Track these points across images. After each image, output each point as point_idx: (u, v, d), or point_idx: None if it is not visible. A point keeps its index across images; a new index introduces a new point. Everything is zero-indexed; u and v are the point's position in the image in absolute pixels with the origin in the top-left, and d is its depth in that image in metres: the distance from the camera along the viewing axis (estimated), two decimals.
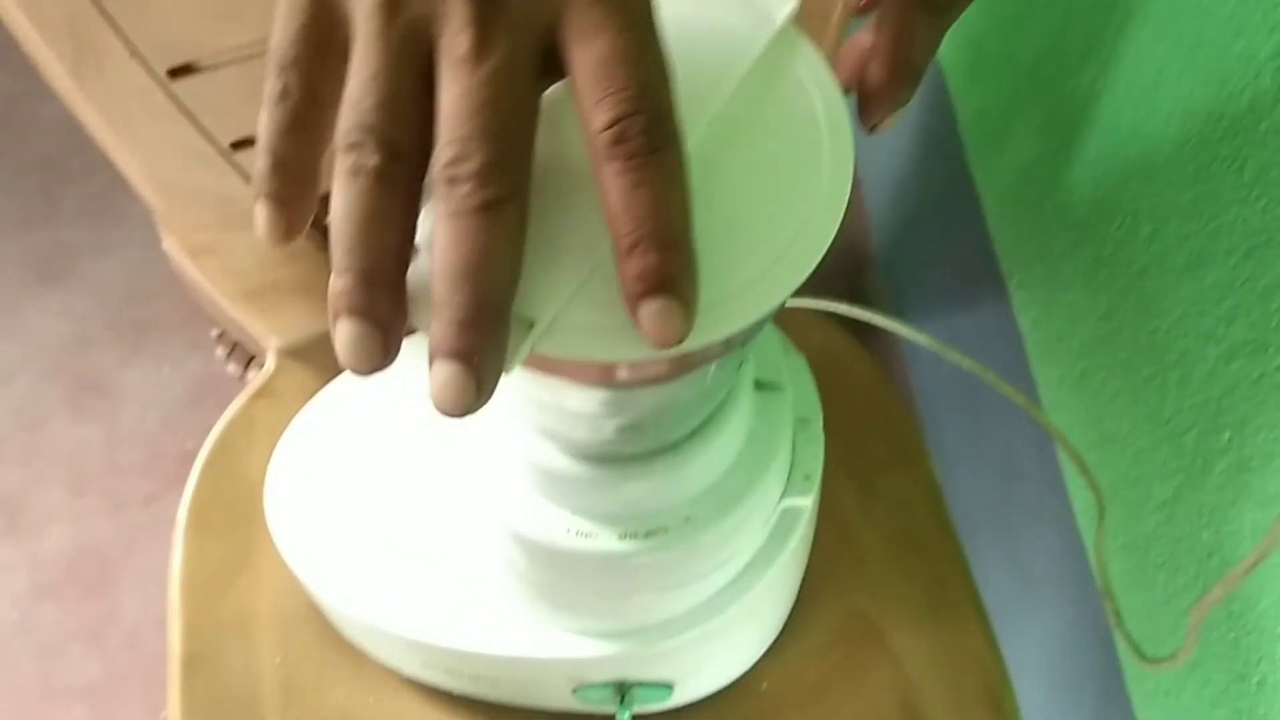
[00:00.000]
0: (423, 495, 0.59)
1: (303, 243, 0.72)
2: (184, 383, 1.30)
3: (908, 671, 0.66)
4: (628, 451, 0.47)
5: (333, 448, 0.65)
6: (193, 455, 1.31)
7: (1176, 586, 0.75)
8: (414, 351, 0.68)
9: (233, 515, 0.72)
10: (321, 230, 0.74)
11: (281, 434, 0.69)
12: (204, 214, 0.68)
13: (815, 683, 0.66)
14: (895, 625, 0.67)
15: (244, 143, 0.63)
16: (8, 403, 1.26)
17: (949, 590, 0.70)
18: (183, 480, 1.32)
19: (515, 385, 0.43)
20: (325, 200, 0.71)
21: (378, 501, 0.61)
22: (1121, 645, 0.83)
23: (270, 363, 0.77)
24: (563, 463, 0.48)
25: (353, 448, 0.64)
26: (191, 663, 0.67)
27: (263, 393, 0.77)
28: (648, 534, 0.49)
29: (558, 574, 0.52)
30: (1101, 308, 0.82)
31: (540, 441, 0.48)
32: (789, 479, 0.54)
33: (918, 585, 0.70)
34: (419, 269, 0.28)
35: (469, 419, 0.27)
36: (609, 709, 0.56)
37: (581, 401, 0.41)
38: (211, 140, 0.62)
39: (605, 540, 0.49)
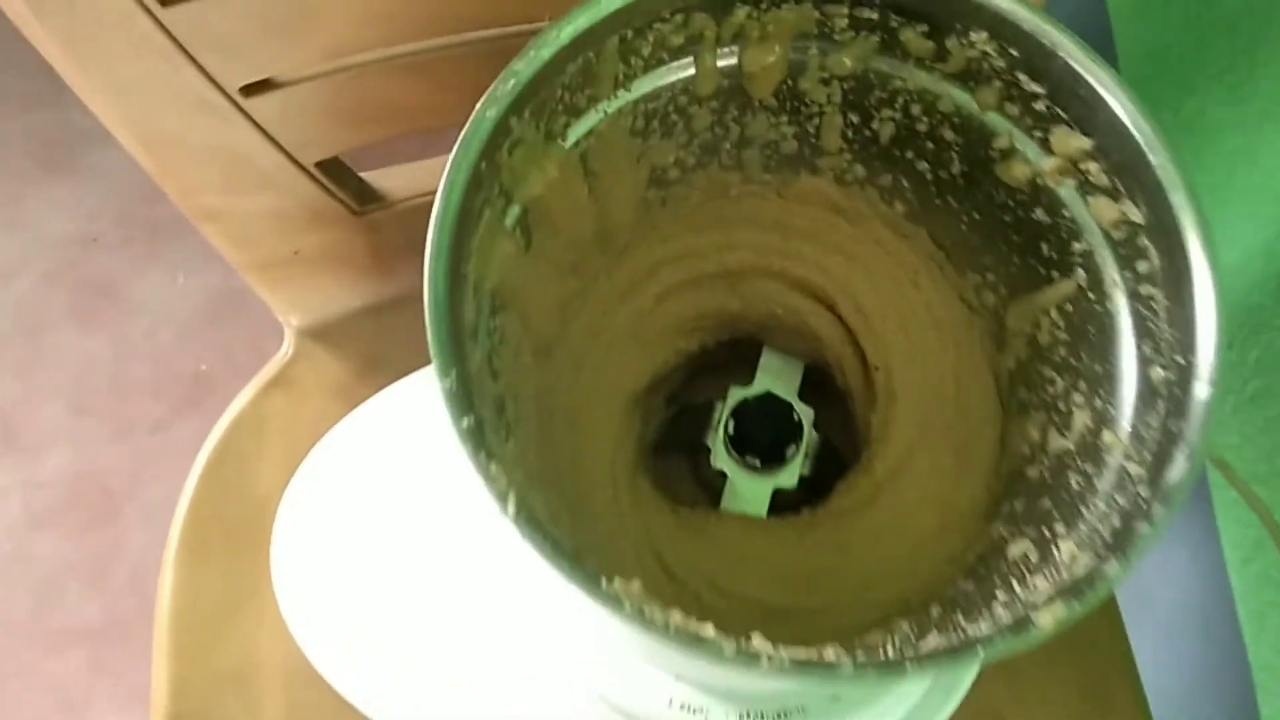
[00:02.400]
0: (474, 591, 0.45)
1: (330, 206, 0.57)
2: (202, 295, 1.16)
3: None
4: None
5: (366, 494, 0.51)
6: (208, 378, 1.19)
7: None
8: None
9: (235, 538, 0.59)
10: (352, 192, 0.59)
11: (299, 435, 0.56)
12: (207, 174, 0.54)
13: None
14: None
15: (258, 86, 0.48)
16: (5, 304, 1.13)
17: (1109, 695, 0.57)
18: (196, 405, 1.20)
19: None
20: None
21: (420, 582, 0.48)
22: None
23: (288, 345, 0.63)
24: None
25: (394, 499, 0.50)
26: None
27: (278, 382, 0.62)
28: (778, 715, 0.36)
29: None
30: None
31: None
32: None
33: (1070, 686, 0.57)
34: None
35: None
36: None
37: None
38: (215, 83, 0.48)
39: None
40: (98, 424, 1.17)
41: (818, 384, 0.36)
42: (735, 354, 0.37)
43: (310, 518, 0.51)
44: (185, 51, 0.45)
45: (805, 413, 0.35)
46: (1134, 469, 0.25)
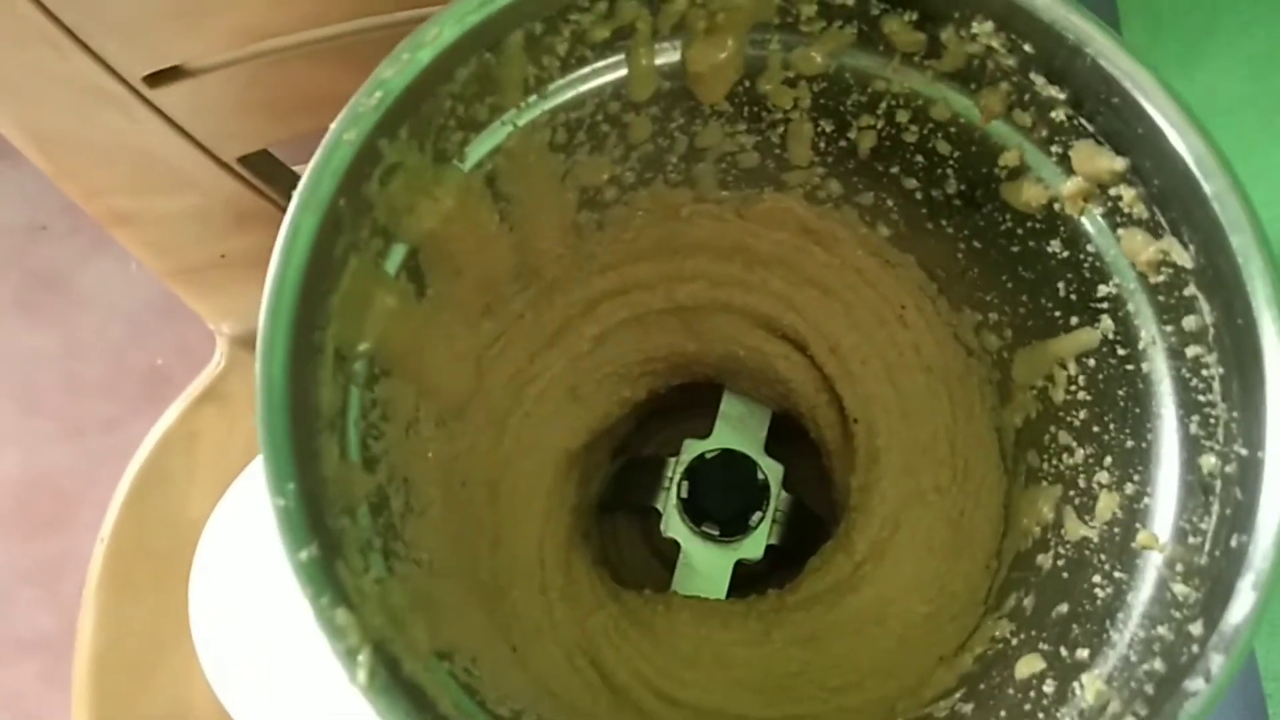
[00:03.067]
0: None
1: (258, 205, 0.52)
2: (155, 285, 1.09)
3: None
4: None
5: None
6: (163, 374, 1.13)
7: None
8: None
9: (162, 570, 0.54)
10: (283, 189, 0.54)
11: (233, 454, 0.51)
12: (112, 174, 0.50)
13: None
14: None
15: (164, 75, 0.43)
16: None
17: None
18: (152, 403, 1.14)
19: None
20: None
21: None
22: None
23: (220, 356, 0.57)
24: None
25: None
26: None
27: (210, 396, 0.57)
28: None
29: None
30: None
31: None
32: None
33: None
34: None
35: None
36: None
37: None
38: (114, 73, 0.44)
39: None
40: (48, 424, 1.11)
41: (790, 430, 0.31)
42: (693, 399, 0.31)
43: (234, 549, 0.47)
44: (76, 38, 0.41)
45: (773, 471, 0.30)
46: (1180, 590, 0.19)
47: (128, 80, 0.43)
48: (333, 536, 0.18)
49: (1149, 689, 0.18)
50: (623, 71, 0.23)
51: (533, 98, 0.23)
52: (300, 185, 0.19)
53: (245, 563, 0.47)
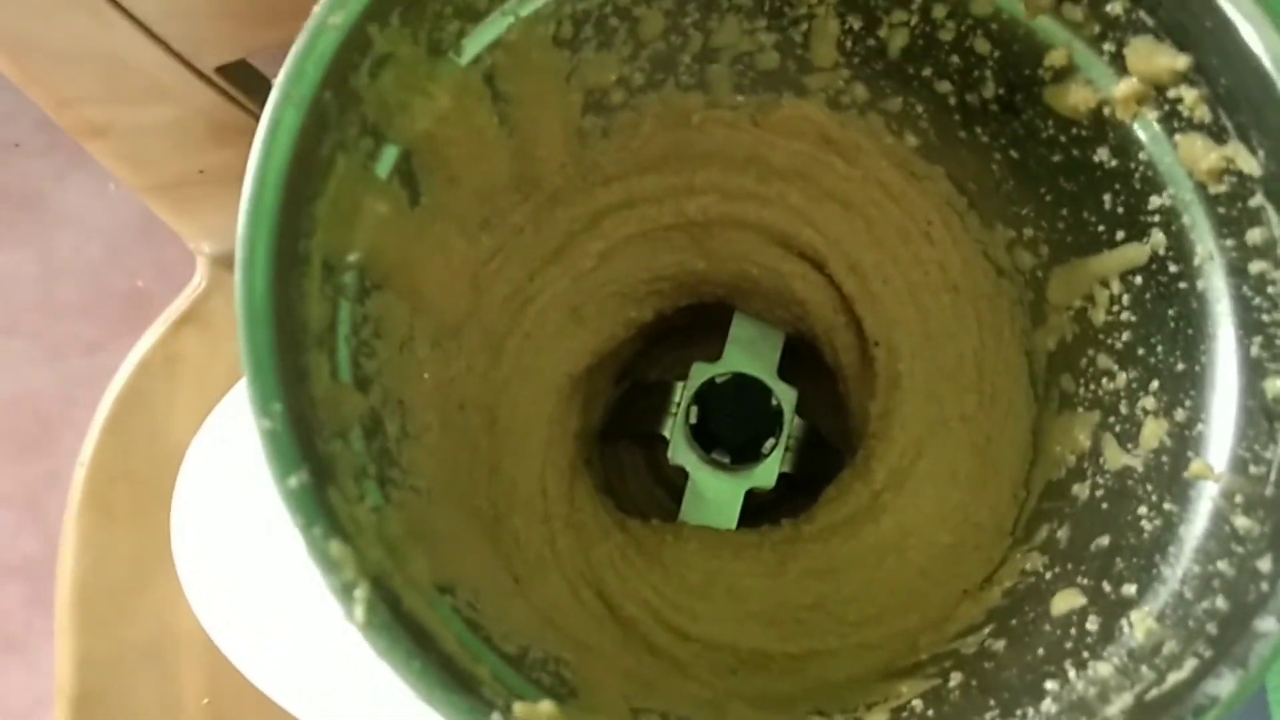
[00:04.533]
0: None
1: (237, 118, 0.50)
2: (133, 204, 1.07)
3: None
4: None
5: None
6: (144, 295, 1.11)
7: None
8: None
9: (144, 494, 0.53)
10: (263, 101, 0.52)
11: (215, 378, 0.50)
12: (84, 82, 0.48)
13: None
14: None
15: None
16: None
17: None
18: (132, 325, 1.12)
19: None
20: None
21: None
22: None
23: (200, 277, 0.55)
24: None
25: None
26: (85, 704, 0.49)
27: (190, 318, 0.55)
28: None
29: None
30: None
31: None
32: None
33: None
34: None
35: None
36: None
37: None
38: None
39: None
40: (27, 347, 1.09)
41: (804, 354, 0.29)
42: (701, 321, 0.29)
43: (217, 474, 0.46)
44: None
45: (786, 396, 0.28)
46: (1242, 523, 0.18)
47: None
48: (324, 462, 0.16)
49: (1211, 628, 0.17)
50: None
51: None
52: (281, 75, 0.17)
53: (229, 489, 0.45)
